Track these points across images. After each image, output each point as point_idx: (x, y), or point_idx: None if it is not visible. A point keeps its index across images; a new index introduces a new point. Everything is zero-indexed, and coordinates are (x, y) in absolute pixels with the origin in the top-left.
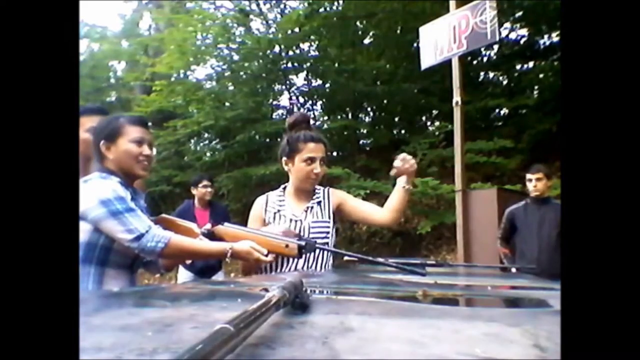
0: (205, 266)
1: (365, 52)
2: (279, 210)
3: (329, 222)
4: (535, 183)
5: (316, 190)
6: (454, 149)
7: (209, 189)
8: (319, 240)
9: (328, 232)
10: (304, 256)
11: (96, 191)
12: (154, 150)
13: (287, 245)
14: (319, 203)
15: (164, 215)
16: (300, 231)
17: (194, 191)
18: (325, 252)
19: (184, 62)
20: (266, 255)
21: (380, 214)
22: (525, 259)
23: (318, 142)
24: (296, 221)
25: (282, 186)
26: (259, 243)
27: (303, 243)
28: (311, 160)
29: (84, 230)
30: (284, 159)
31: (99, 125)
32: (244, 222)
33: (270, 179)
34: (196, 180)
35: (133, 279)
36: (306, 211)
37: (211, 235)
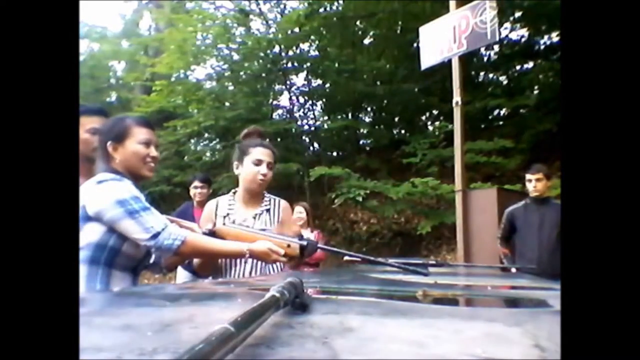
0: None
1: (365, 52)
2: (227, 214)
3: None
4: (535, 183)
5: (265, 198)
6: (454, 149)
7: (199, 190)
8: None
9: None
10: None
11: (112, 191)
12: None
13: (289, 245)
14: (267, 211)
15: (164, 216)
16: None
17: (191, 192)
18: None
19: (184, 62)
20: (283, 256)
21: None
22: (525, 259)
23: (266, 147)
24: (246, 226)
25: (232, 191)
26: None
27: (305, 243)
28: (259, 162)
29: (96, 231)
30: (235, 162)
31: (105, 126)
32: None
33: None
34: (190, 181)
35: (136, 281)
36: (255, 218)
37: (213, 235)
